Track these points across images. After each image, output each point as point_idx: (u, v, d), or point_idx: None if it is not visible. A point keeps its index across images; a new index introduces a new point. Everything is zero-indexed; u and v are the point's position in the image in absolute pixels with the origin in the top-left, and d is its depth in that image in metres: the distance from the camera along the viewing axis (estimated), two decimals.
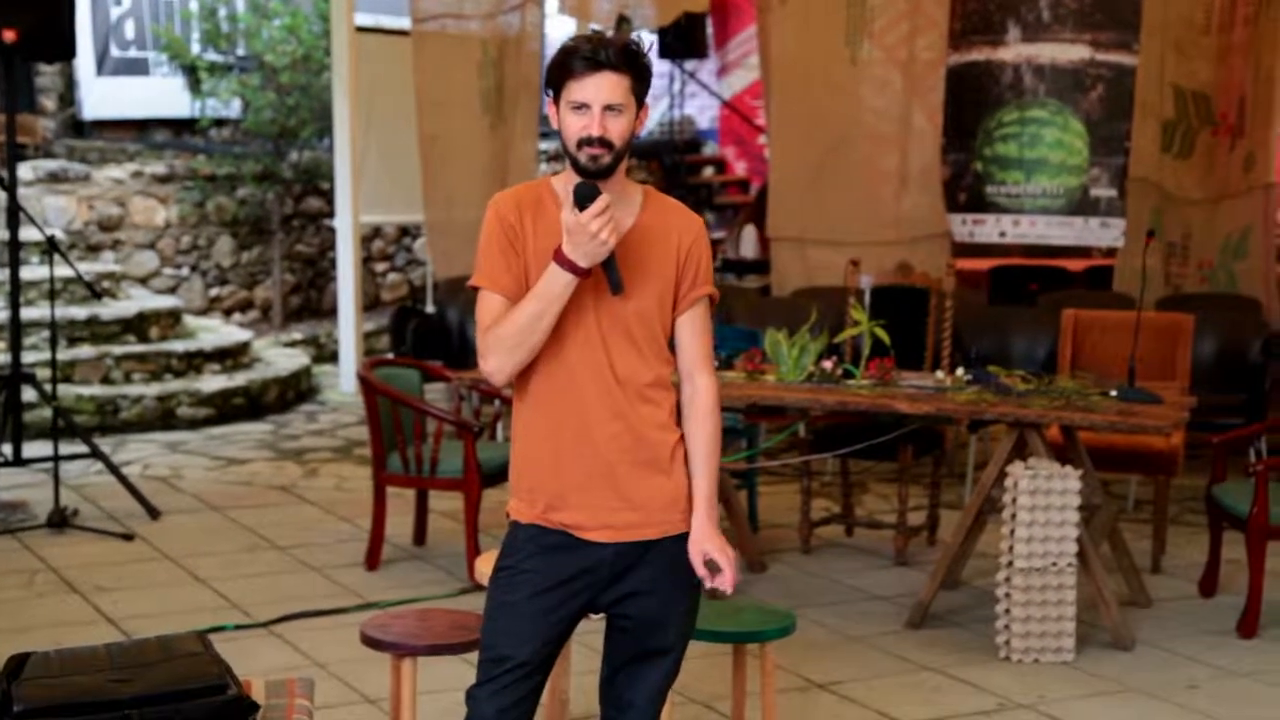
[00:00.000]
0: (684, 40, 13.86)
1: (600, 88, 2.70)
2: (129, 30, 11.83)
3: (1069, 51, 8.65)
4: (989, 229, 8.98)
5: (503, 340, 2.76)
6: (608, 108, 2.71)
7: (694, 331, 2.88)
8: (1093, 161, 8.78)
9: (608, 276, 2.75)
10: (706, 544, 2.84)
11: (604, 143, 2.72)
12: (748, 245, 12.53)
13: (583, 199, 2.69)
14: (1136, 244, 7.45)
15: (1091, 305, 7.11)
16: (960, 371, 5.49)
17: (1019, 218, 8.88)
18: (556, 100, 2.76)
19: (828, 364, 5.53)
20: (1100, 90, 8.64)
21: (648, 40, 2.88)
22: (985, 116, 8.84)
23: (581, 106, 2.72)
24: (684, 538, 2.87)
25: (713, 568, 2.85)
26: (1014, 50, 8.73)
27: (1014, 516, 4.93)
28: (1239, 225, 8.71)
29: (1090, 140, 8.67)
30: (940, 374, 5.56)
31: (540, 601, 2.81)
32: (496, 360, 2.77)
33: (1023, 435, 5.11)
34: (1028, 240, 9.17)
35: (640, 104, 2.77)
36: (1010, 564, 4.94)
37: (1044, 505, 4.90)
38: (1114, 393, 5.22)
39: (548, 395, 2.82)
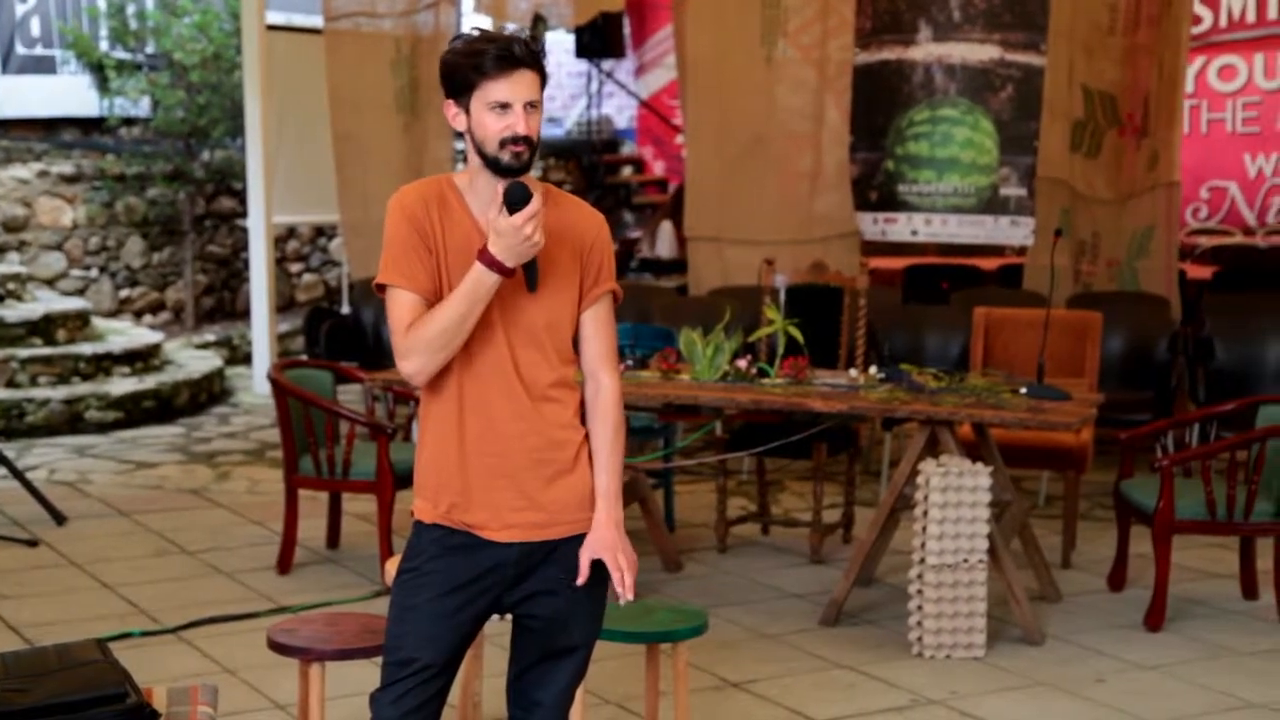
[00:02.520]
0: (601, 40, 13.85)
1: (520, 85, 2.70)
2: (35, 27, 11.61)
3: (979, 51, 8.72)
4: (901, 228, 9.03)
5: (428, 342, 2.72)
6: (529, 104, 2.71)
7: (597, 329, 2.87)
8: (1003, 160, 8.86)
9: (527, 275, 2.75)
10: (600, 547, 2.81)
11: (527, 140, 2.71)
12: (664, 244, 12.53)
13: (516, 201, 2.67)
14: (1045, 243, 7.54)
15: (1003, 303, 7.17)
16: (874, 370, 5.53)
17: (930, 216, 8.94)
18: (463, 100, 2.73)
19: (742, 363, 5.55)
20: (1010, 90, 8.72)
21: (541, 39, 2.88)
22: (897, 115, 8.90)
23: (503, 105, 2.70)
24: None
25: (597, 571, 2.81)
26: (925, 50, 8.78)
27: (926, 513, 4.96)
28: (1144, 224, 8.83)
29: (1000, 139, 8.76)
30: (854, 372, 5.59)
31: (444, 603, 2.78)
32: (419, 361, 2.73)
33: (935, 432, 5.15)
34: (939, 239, 9.23)
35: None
36: (922, 560, 4.98)
37: (955, 502, 4.94)
38: (1024, 390, 5.28)
39: (452, 395, 2.79)
